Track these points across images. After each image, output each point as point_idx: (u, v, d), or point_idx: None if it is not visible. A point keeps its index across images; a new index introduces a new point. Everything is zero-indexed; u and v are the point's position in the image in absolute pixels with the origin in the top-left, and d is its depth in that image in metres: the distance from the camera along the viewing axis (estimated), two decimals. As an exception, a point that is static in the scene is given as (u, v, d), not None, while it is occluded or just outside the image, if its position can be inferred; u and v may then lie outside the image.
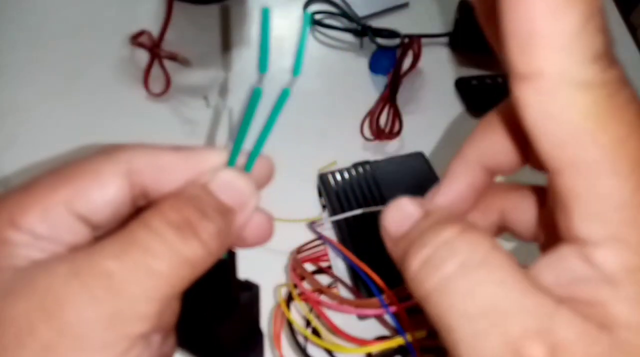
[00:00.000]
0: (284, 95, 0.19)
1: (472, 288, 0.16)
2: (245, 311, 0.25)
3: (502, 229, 0.22)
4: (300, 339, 0.38)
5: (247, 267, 0.25)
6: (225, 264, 0.22)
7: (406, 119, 0.51)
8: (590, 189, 0.15)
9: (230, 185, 0.20)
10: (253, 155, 0.20)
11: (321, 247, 0.41)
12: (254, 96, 0.19)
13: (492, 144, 0.20)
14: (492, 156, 0.20)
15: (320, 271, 0.41)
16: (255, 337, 0.27)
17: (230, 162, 0.20)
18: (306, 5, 0.56)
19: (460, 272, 0.16)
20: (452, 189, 0.21)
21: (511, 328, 0.15)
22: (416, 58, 0.54)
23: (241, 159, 0.20)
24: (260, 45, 0.19)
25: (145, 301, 0.17)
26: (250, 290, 0.25)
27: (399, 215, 0.19)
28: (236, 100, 0.51)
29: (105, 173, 0.19)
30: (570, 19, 0.14)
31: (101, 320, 0.16)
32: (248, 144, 0.20)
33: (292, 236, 0.41)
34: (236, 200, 0.20)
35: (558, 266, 0.16)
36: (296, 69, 0.19)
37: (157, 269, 0.17)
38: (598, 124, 0.14)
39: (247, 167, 0.20)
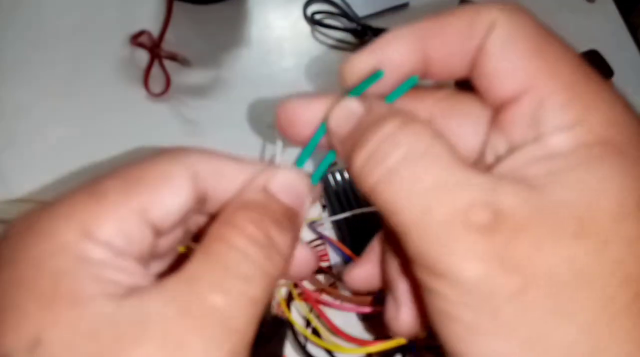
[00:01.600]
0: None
1: (417, 174, 0.16)
2: (271, 347, 0.25)
3: None
4: (301, 339, 0.38)
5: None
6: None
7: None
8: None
9: (290, 185, 0.19)
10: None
11: (321, 247, 0.41)
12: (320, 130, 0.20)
13: None
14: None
15: (320, 270, 0.41)
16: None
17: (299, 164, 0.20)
18: (306, 5, 0.56)
19: (403, 163, 0.17)
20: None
21: (457, 200, 0.16)
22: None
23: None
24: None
25: (249, 331, 0.16)
26: (280, 327, 0.25)
27: (343, 114, 0.19)
28: (237, 100, 0.51)
29: (178, 178, 0.18)
30: None
31: None
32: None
33: (292, 235, 0.41)
34: (296, 200, 0.19)
35: (514, 155, 0.17)
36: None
37: (255, 296, 0.16)
38: None
39: (314, 179, 0.20)
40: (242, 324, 0.16)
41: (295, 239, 0.19)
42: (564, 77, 0.17)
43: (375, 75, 0.19)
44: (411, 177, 0.16)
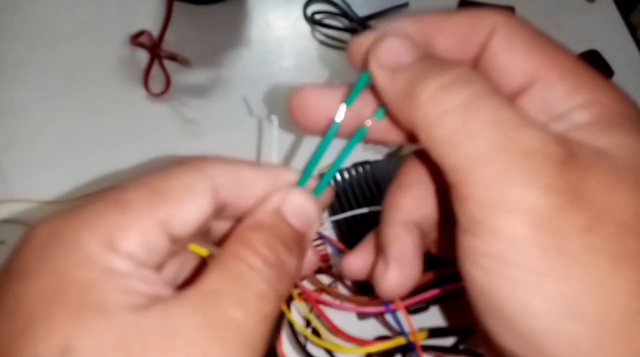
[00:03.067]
0: (361, 132, 0.21)
1: (493, 106, 0.17)
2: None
3: None
4: (301, 339, 0.38)
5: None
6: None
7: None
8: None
9: (301, 209, 0.20)
10: (324, 181, 0.21)
11: (321, 247, 0.41)
12: (332, 129, 0.21)
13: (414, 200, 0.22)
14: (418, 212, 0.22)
15: (320, 270, 0.41)
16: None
17: (301, 182, 0.21)
18: (306, 5, 0.56)
19: (479, 96, 0.17)
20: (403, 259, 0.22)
21: (534, 134, 0.16)
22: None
23: (310, 182, 0.21)
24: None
25: (262, 347, 0.17)
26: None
27: (399, 48, 0.19)
28: (237, 100, 0.51)
29: (199, 191, 0.18)
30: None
31: None
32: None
33: (292, 235, 0.41)
34: (305, 223, 0.20)
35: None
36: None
37: (269, 313, 0.17)
38: None
39: (316, 192, 0.21)
40: (259, 339, 0.16)
41: (302, 261, 0.20)
42: (566, 67, 0.18)
43: (362, 77, 0.20)
44: (488, 108, 0.17)
